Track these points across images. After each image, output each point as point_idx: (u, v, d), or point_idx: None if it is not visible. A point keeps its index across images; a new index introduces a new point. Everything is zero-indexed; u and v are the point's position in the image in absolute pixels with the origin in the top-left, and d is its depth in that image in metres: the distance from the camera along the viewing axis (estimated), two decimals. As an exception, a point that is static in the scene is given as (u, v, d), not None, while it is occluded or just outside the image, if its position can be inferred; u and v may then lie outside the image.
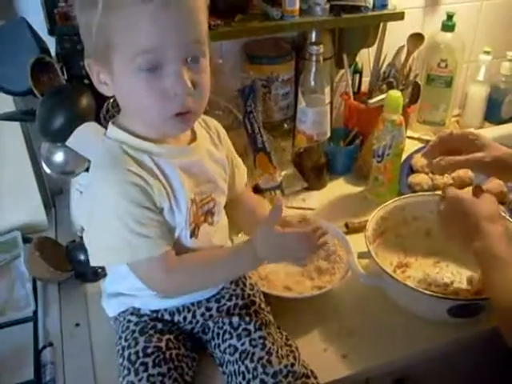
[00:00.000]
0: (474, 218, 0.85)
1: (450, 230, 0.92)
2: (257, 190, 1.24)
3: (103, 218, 0.73)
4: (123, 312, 0.88)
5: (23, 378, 0.87)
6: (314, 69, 1.19)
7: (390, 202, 1.10)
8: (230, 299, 0.90)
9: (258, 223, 0.81)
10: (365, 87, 1.44)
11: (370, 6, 1.23)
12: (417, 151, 1.41)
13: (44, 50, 0.91)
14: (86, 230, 0.78)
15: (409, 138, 1.48)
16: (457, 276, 1.05)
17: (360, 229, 1.15)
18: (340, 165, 1.38)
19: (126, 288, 0.87)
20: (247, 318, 0.86)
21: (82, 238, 1.08)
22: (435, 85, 1.48)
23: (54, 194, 1.30)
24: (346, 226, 1.19)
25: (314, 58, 1.18)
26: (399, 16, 1.26)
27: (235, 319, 0.86)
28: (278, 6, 1.17)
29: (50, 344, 0.94)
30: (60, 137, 0.89)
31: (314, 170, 1.32)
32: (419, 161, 1.36)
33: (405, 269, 1.08)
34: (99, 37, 0.67)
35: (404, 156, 1.35)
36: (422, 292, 0.91)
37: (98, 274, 1.05)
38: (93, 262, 0.79)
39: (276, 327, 0.89)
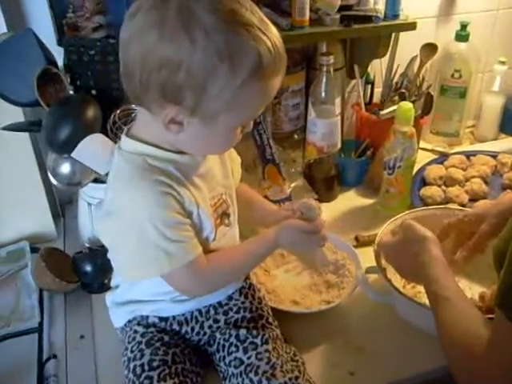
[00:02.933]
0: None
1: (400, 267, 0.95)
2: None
3: (137, 233, 0.72)
4: (130, 322, 0.88)
5: (26, 391, 0.86)
6: (324, 79, 1.17)
7: (400, 215, 1.08)
8: (237, 312, 0.89)
9: (255, 213, 0.95)
10: (377, 98, 1.42)
11: (382, 16, 1.21)
12: (429, 163, 1.39)
13: (51, 61, 0.91)
14: (115, 247, 0.77)
15: (422, 149, 1.46)
16: (468, 292, 1.02)
17: (370, 242, 1.13)
18: (351, 177, 1.37)
19: (138, 294, 0.86)
20: (254, 332, 0.85)
21: (89, 248, 1.08)
22: (449, 95, 1.46)
23: (63, 204, 1.30)
24: (356, 239, 1.17)
25: (324, 69, 1.16)
26: (411, 26, 1.24)
27: (242, 332, 0.86)
28: (287, 16, 1.15)
29: (54, 356, 0.94)
30: (66, 148, 0.89)
31: (324, 181, 1.31)
32: (432, 173, 1.34)
33: (415, 284, 1.05)
34: (221, 98, 0.66)
35: (416, 168, 1.34)
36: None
37: (104, 285, 1.04)
38: (128, 278, 0.79)
39: (283, 341, 0.88)
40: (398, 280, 1.02)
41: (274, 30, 0.68)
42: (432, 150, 1.49)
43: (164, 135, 0.72)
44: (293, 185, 1.26)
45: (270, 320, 0.90)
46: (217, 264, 0.80)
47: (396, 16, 1.22)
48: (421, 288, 1.03)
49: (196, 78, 0.64)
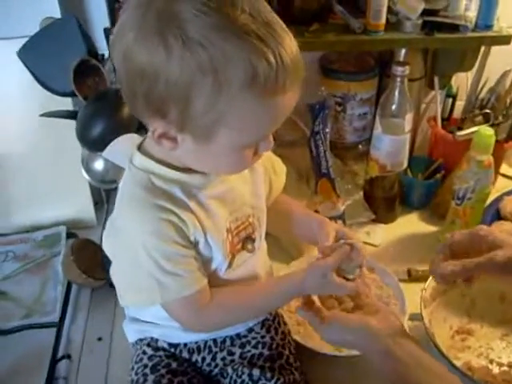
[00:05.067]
0: None
1: None
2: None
3: (131, 257, 0.66)
4: (140, 340, 0.82)
5: (33, 388, 0.84)
6: (396, 91, 1.04)
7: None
8: (255, 346, 0.81)
9: (293, 226, 0.84)
10: (458, 112, 1.26)
11: (472, 25, 1.05)
12: (509, 193, 1.22)
13: (92, 51, 0.86)
14: (113, 264, 0.72)
15: (503, 176, 1.30)
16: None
17: (424, 278, 1.00)
18: (416, 198, 1.23)
19: (147, 316, 0.81)
20: (269, 374, 0.77)
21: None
22: (543, 118, 1.27)
23: (109, 191, 1.26)
24: (409, 272, 1.06)
25: (397, 80, 1.03)
26: (504, 40, 1.06)
27: (256, 372, 0.77)
28: (361, 17, 1.03)
29: (68, 356, 0.91)
30: (97, 146, 0.85)
31: (384, 200, 1.19)
32: (510, 205, 1.18)
33: (465, 336, 0.93)
34: (210, 115, 0.57)
35: (493, 196, 1.18)
36: (473, 379, 0.78)
37: (131, 286, 1.01)
38: (122, 303, 0.73)
39: (301, 386, 0.79)
40: (445, 331, 0.91)
41: (284, 36, 0.56)
42: (515, 178, 1.33)
43: (170, 151, 0.64)
44: (348, 202, 1.15)
45: (291, 360, 0.81)
46: (221, 301, 0.72)
47: (489, 27, 1.05)
48: (471, 341, 0.93)
49: (176, 90, 0.55)
